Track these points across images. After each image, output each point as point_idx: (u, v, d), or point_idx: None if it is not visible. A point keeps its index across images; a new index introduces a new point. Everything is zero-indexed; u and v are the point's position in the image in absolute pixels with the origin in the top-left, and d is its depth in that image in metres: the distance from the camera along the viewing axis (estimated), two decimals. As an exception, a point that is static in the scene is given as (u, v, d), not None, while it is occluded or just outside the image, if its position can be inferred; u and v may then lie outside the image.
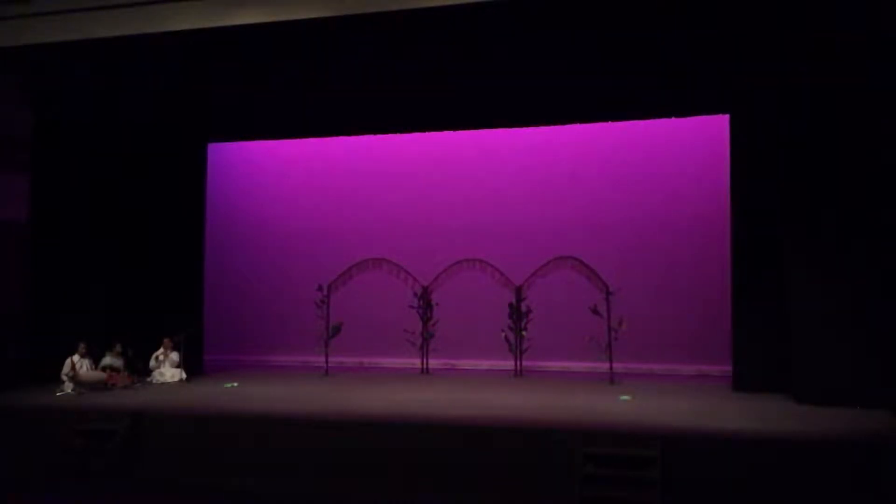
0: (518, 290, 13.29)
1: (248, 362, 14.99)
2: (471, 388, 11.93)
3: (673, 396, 10.86)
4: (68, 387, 11.57)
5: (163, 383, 12.51)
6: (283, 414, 9.82)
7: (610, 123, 13.14)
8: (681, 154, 13.54)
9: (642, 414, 9.52)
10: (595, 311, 12.46)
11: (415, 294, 13.89)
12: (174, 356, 12.84)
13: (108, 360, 12.27)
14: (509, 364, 13.42)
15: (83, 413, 10.08)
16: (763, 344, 11.02)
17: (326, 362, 13.69)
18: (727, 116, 11.68)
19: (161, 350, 12.86)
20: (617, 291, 12.54)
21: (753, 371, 11.10)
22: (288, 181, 15.72)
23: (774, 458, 7.96)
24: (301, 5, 9.91)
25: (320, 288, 13.82)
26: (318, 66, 11.72)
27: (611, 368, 12.33)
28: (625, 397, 10.79)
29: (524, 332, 13.26)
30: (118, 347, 12.45)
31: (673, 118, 12.77)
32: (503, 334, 13.36)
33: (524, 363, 13.39)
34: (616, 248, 13.60)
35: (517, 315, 13.26)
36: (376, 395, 11.28)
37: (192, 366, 13.07)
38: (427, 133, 13.97)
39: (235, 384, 12.44)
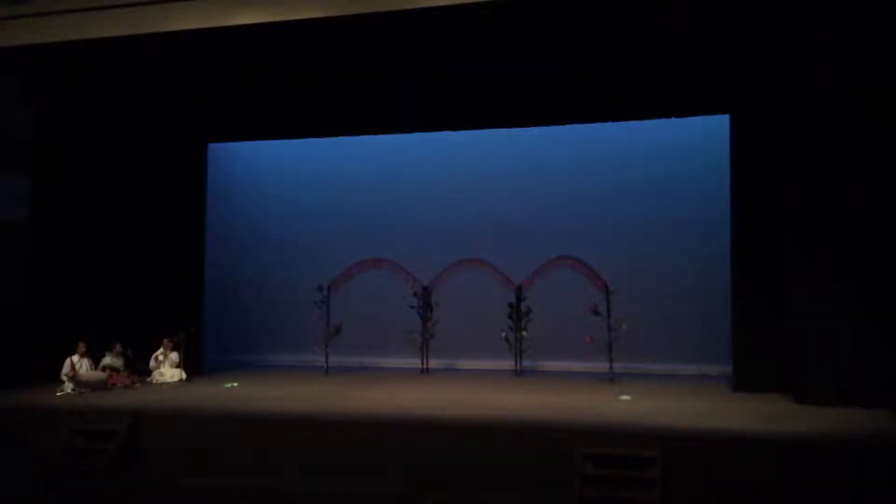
0: (518, 290, 13.28)
1: (248, 362, 14.99)
2: (471, 388, 11.93)
3: (673, 396, 10.86)
4: (68, 387, 11.57)
5: (163, 383, 12.52)
6: (283, 414, 9.83)
7: (610, 123, 13.13)
8: (681, 154, 13.52)
9: (642, 414, 9.52)
10: (595, 311, 12.45)
11: (415, 294, 13.87)
12: (174, 356, 12.84)
13: (108, 360, 12.28)
14: (509, 364, 13.42)
15: (83, 413, 10.08)
16: (763, 344, 11.02)
17: (326, 362, 13.69)
18: (727, 116, 11.68)
19: (161, 350, 12.87)
20: (617, 291, 12.53)
21: (753, 371, 11.10)
22: (288, 181, 15.70)
23: (774, 458, 7.97)
24: (301, 5, 9.91)
25: (320, 288, 13.81)
26: (318, 66, 11.73)
27: (611, 368, 12.32)
28: (625, 397, 10.79)
29: (524, 332, 13.25)
30: (118, 347, 12.46)
31: (673, 118, 12.76)
32: (503, 334, 13.35)
33: (524, 363, 13.39)
34: (616, 247, 13.57)
35: (517, 315, 13.25)
36: (376, 395, 11.29)
37: (192, 366, 13.06)
38: (427, 133, 13.96)
39: (235, 384, 12.45)
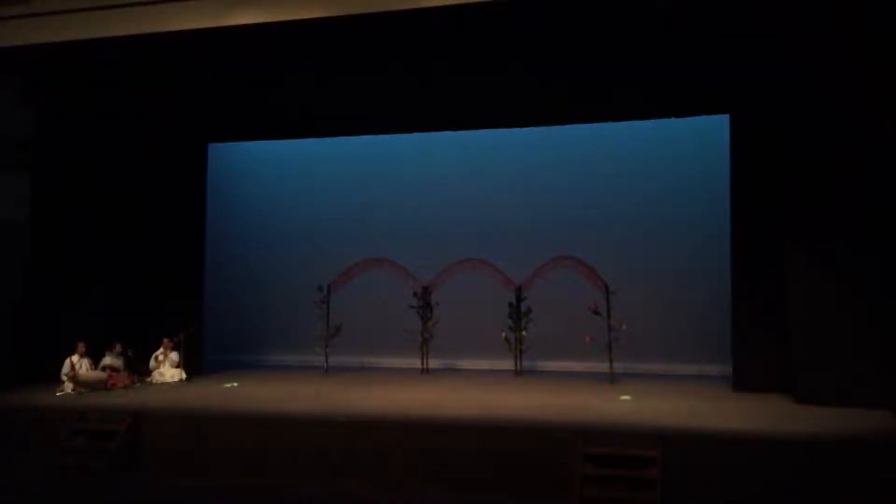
0: (518, 290, 13.28)
1: (248, 362, 14.99)
2: (471, 388, 11.93)
3: (673, 396, 10.86)
4: (68, 387, 11.57)
5: (163, 383, 12.52)
6: (283, 414, 9.83)
7: (610, 123, 13.13)
8: (681, 154, 13.53)
9: (642, 414, 9.52)
10: (595, 311, 12.45)
11: (415, 294, 13.87)
12: (174, 356, 12.84)
13: (108, 360, 12.27)
14: (509, 364, 13.42)
15: (83, 413, 10.08)
16: (763, 344, 11.02)
17: (326, 362, 13.69)
18: (727, 116, 11.68)
19: (161, 350, 12.86)
20: (617, 291, 12.53)
21: (753, 371, 11.10)
22: (288, 181, 15.73)
23: (774, 458, 7.97)
24: (301, 5, 9.91)
25: (320, 288, 13.81)
26: (318, 66, 11.73)
27: (611, 368, 12.32)
28: (625, 397, 10.79)
29: (524, 332, 13.25)
30: (118, 347, 12.45)
31: (673, 118, 12.76)
32: (503, 334, 13.34)
33: (524, 363, 13.39)
34: (616, 247, 13.59)
35: (517, 315, 13.25)
36: (376, 395, 11.28)
37: (192, 366, 13.07)
38: (427, 133, 13.97)
39: (235, 384, 12.45)
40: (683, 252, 13.40)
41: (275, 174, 15.82)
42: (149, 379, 12.65)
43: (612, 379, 12.17)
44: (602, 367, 12.47)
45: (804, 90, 10.22)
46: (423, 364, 13.80)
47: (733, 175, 11.49)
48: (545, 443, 8.53)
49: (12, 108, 12.45)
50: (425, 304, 13.79)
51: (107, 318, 13.07)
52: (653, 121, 12.94)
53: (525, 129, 13.74)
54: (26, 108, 12.60)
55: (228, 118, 13.60)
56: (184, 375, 12.74)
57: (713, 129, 12.28)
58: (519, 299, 13.27)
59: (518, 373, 13.27)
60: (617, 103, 12.16)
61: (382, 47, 10.97)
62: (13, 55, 10.99)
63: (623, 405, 10.25)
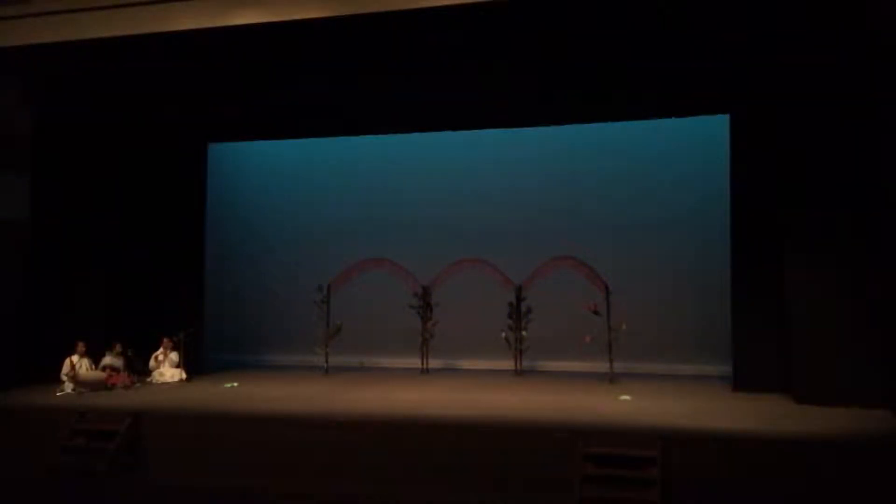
0: (518, 290, 13.28)
1: (248, 362, 14.99)
2: (471, 388, 11.93)
3: (673, 396, 10.86)
4: (68, 387, 11.58)
5: (163, 383, 12.52)
6: (283, 414, 9.83)
7: (610, 123, 13.13)
8: (681, 154, 13.53)
9: (642, 414, 9.53)
10: (595, 311, 12.45)
11: (415, 294, 13.86)
12: (174, 356, 12.85)
13: (108, 360, 12.27)
14: (509, 364, 13.41)
15: (83, 413, 10.08)
16: (763, 344, 11.02)
17: (326, 362, 13.69)
18: (727, 116, 11.68)
19: (161, 350, 12.87)
20: (617, 291, 12.52)
21: (753, 371, 11.09)
22: (288, 181, 15.72)
23: (774, 458, 7.97)
24: (301, 5, 9.91)
25: (320, 288, 13.81)
26: (318, 67, 11.73)
27: (611, 368, 12.32)
28: (625, 397, 10.79)
29: (524, 332, 13.25)
30: (118, 347, 12.45)
31: (673, 118, 12.76)
32: (503, 334, 13.34)
33: (524, 363, 13.39)
34: (616, 247, 13.58)
35: (517, 315, 13.24)
36: (376, 395, 11.29)
37: (192, 366, 13.06)
38: (426, 133, 13.96)
39: (235, 384, 12.45)
40: (683, 252, 13.39)
41: (275, 174, 15.81)
42: (149, 379, 12.65)
43: (612, 379, 12.16)
44: (602, 367, 12.46)
45: (804, 90, 10.21)
46: (423, 364, 13.80)
47: (733, 175, 11.48)
48: (545, 443, 8.53)
49: (12, 108, 12.45)
50: (425, 304, 13.78)
51: (107, 318, 13.07)
52: (653, 121, 12.93)
53: (525, 129, 13.71)
54: (26, 108, 12.60)
55: (228, 118, 13.60)
56: (184, 375, 12.74)
57: (713, 129, 12.26)
58: (519, 299, 13.26)
59: (518, 373, 13.26)
60: (617, 103, 12.16)
61: (382, 47, 10.98)
62: (13, 55, 10.99)
63: (623, 405, 10.25)
